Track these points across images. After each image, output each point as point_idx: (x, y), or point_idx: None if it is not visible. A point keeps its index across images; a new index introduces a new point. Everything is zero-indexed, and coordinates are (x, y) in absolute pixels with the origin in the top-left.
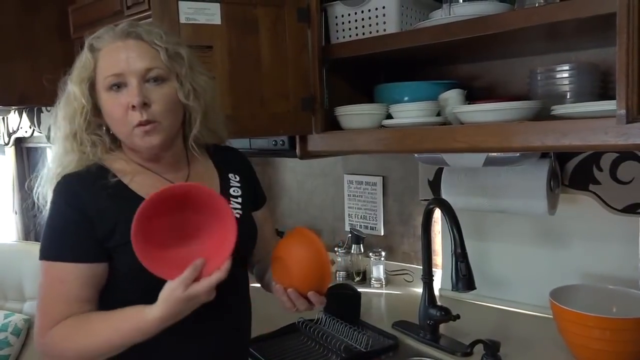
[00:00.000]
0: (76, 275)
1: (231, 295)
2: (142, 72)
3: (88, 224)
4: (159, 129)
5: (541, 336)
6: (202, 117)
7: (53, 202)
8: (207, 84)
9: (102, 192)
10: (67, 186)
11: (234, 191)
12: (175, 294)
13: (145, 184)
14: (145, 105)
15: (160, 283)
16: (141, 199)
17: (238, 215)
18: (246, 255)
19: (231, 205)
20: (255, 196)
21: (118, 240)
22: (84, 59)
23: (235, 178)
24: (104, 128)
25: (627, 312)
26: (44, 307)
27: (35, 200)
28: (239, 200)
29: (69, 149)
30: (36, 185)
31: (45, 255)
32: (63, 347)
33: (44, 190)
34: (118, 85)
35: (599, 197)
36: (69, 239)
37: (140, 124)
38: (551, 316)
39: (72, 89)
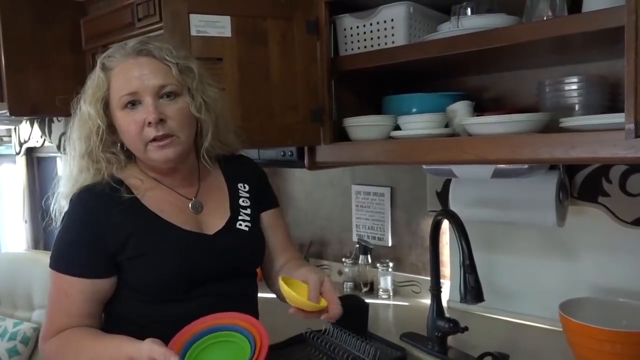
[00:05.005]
0: (80, 290)
1: (239, 306)
2: (156, 89)
3: (99, 240)
4: (175, 142)
5: (550, 349)
6: (214, 129)
7: (68, 214)
8: (216, 95)
9: (116, 206)
10: (81, 201)
11: (242, 202)
12: (147, 351)
13: (157, 198)
14: (161, 121)
15: (167, 301)
16: (153, 213)
17: (247, 229)
18: (253, 268)
19: (240, 218)
20: (263, 199)
21: (128, 254)
22: (96, 78)
23: (245, 188)
24: (119, 145)
25: (637, 325)
26: (49, 315)
27: (53, 217)
28: (248, 211)
29: (85, 167)
30: (52, 203)
31: (54, 265)
32: (56, 357)
33: (59, 207)
34: (133, 103)
35: (608, 209)
36: (77, 255)
37: (156, 139)
38: (560, 329)
39: (87, 109)
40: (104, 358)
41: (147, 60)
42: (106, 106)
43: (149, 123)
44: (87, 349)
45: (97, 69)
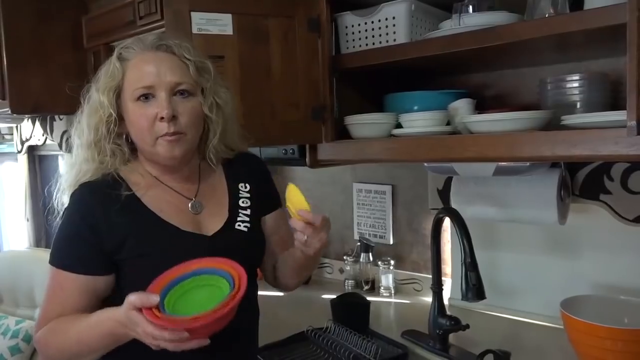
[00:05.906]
0: (76, 285)
1: (238, 307)
2: (172, 85)
3: (97, 237)
4: (183, 140)
5: (552, 347)
6: (222, 130)
7: (68, 209)
8: (227, 98)
9: (115, 205)
10: (81, 197)
11: (242, 202)
12: (126, 303)
13: (157, 197)
14: (173, 117)
15: None
16: (152, 213)
17: (245, 229)
18: (253, 269)
19: (239, 219)
20: (266, 200)
21: (126, 254)
22: (111, 67)
23: (245, 188)
24: (124, 137)
25: (638, 323)
26: (45, 307)
27: (55, 207)
28: (248, 212)
29: (89, 157)
30: (55, 192)
31: (52, 260)
32: (47, 341)
33: (62, 198)
34: (146, 96)
35: (609, 207)
36: (75, 251)
37: (167, 135)
38: (562, 326)
39: (99, 97)
40: (88, 339)
41: (166, 56)
42: (118, 96)
43: (161, 118)
44: (72, 333)
45: (113, 58)
